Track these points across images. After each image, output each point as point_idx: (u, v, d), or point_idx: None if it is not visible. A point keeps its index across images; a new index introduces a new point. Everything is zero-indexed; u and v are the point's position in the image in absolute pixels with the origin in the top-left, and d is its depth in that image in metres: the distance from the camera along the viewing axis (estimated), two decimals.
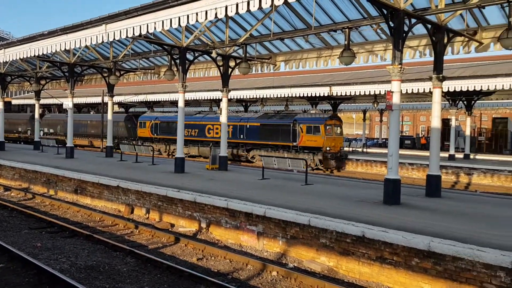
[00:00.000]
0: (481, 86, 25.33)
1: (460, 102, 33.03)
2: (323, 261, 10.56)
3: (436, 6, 14.14)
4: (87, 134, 49.84)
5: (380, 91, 30.09)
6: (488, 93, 30.55)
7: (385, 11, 13.04)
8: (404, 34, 13.36)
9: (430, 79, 15.43)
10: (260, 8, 12.65)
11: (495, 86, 24.90)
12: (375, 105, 39.81)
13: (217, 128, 35.44)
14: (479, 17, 15.55)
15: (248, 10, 12.86)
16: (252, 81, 41.45)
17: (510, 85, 24.11)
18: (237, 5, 12.92)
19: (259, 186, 16.58)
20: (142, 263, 10.47)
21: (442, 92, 26.67)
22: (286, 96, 35.88)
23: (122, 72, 27.83)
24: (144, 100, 46.42)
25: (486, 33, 15.81)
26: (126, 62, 28.01)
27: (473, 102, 32.84)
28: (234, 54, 21.55)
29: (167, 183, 16.41)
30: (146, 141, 41.90)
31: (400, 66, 13.23)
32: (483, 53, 18.47)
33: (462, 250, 8.16)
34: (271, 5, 12.22)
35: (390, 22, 13.19)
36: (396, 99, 13.37)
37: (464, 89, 25.99)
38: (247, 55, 20.77)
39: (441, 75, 15.03)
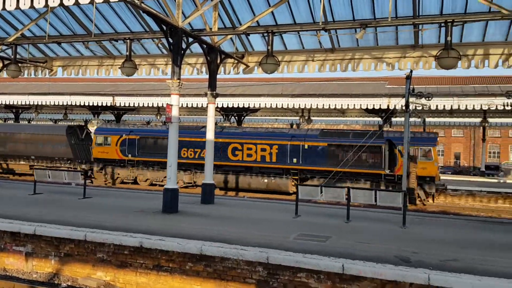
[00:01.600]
0: (249, 104, 28.20)
1: (233, 117, 36.07)
2: (99, 276, 10.04)
3: (211, 29, 15.17)
4: None
5: (162, 104, 30.56)
6: (254, 110, 34.18)
7: (164, 27, 13.36)
8: (182, 51, 13.92)
9: (206, 95, 16.39)
10: (32, 7, 11.44)
11: (260, 104, 28.07)
12: (158, 117, 40.22)
13: (250, 149, 25.08)
14: (246, 43, 17.30)
15: (18, 8, 11.46)
16: (24, 85, 37.09)
17: (271, 104, 27.53)
18: (4, 1, 11.39)
19: (30, 201, 14.83)
20: None
21: (217, 107, 28.95)
22: (66, 104, 33.20)
23: None
24: None
25: (251, 57, 17.68)
26: None
27: (243, 117, 36.26)
28: (1, 54, 18.90)
29: None
30: (109, 165, 28.47)
31: (178, 80, 13.69)
32: (250, 75, 20.62)
33: (229, 251, 8.85)
34: (46, 5, 11.17)
35: (170, 38, 13.57)
36: (175, 112, 13.76)
37: (235, 105, 28.52)
38: (18, 56, 18.51)
39: (214, 92, 16.15)
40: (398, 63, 15.63)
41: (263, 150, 24.93)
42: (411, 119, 25.73)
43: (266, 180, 24.76)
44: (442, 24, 12.40)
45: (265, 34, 14.95)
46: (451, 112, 28.33)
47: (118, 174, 28.16)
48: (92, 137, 30.45)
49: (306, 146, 24.12)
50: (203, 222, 11.98)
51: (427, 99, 19.15)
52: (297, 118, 36.17)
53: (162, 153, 25.99)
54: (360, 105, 26.15)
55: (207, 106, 16.65)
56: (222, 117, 35.27)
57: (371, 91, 26.67)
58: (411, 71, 17.61)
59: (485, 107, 22.59)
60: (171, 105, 13.77)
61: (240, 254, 8.75)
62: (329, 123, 43.96)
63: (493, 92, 22.84)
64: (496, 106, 21.68)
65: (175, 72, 13.68)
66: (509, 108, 21.30)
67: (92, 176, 29.13)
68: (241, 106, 28.58)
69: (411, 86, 19.15)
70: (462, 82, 29.17)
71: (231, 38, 16.77)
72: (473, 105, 22.59)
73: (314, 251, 8.84)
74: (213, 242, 9.35)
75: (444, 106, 23.62)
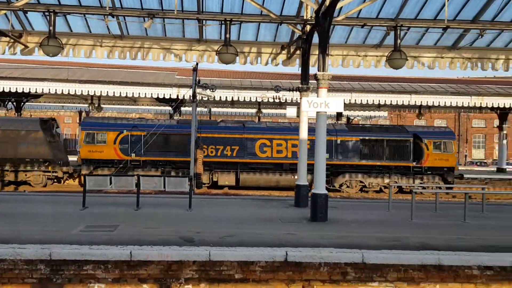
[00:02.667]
0: (30, 89, 25.15)
1: (10, 103, 31.62)
2: None
3: None
4: None
5: None
6: (37, 96, 30.67)
7: None
8: None
9: None
10: None
11: (42, 89, 25.33)
12: None
13: (280, 145, 23.30)
14: (24, 21, 15.32)
15: None
16: None
17: (56, 89, 25.13)
18: None
19: None
20: None
21: None
22: None
23: None
24: None
25: (31, 37, 15.77)
26: None
27: (22, 103, 32.14)
28: None
29: None
30: (104, 166, 23.49)
31: None
32: (31, 57, 18.37)
33: (4, 251, 7.82)
34: None
35: None
36: None
37: (13, 90, 25.08)
38: None
39: None
40: (185, 55, 16.15)
41: (294, 146, 23.01)
42: (198, 109, 26.87)
43: (295, 177, 22.57)
44: (222, 22, 13.30)
45: (47, 14, 13.53)
46: (233, 103, 30.74)
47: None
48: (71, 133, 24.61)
49: (338, 141, 23.67)
50: None
51: (211, 90, 20.34)
52: (86, 105, 33.96)
53: (176, 151, 23.30)
54: (151, 94, 26.10)
55: None
56: None
57: (162, 81, 26.86)
58: (197, 64, 18.41)
59: (259, 99, 25.27)
60: None
61: (17, 254, 7.82)
62: (121, 111, 42.65)
63: (266, 86, 25.71)
64: (268, 98, 24.49)
65: None
66: (277, 100, 24.32)
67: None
68: (20, 90, 25.25)
69: (198, 78, 20.04)
70: (242, 76, 31.96)
71: (5, 14, 14.60)
72: (250, 97, 25.02)
73: (102, 241, 8.52)
74: None
75: (226, 97, 25.47)
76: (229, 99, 25.87)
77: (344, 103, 26.59)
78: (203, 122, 24.90)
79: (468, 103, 25.14)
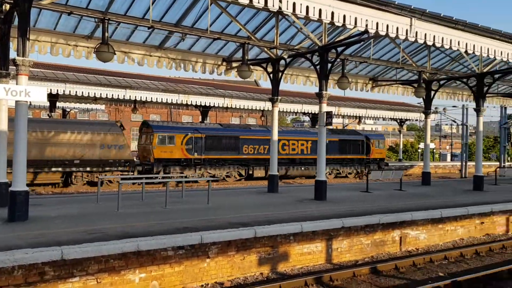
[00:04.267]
0: None
1: None
2: None
3: None
4: None
5: None
6: None
7: None
8: None
9: None
10: None
11: None
12: None
13: (293, 144, 30.61)
14: None
15: None
16: None
17: None
18: None
19: None
20: None
21: None
22: None
23: None
24: None
25: None
26: None
27: None
28: None
29: None
30: (171, 165, 26.16)
31: None
32: None
33: None
34: None
35: None
36: None
37: None
38: None
39: None
40: None
41: (302, 145, 30.87)
42: None
43: (303, 168, 30.97)
44: None
45: None
46: None
47: (182, 173, 25.42)
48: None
49: (327, 141, 30.84)
50: None
51: None
52: None
53: (224, 150, 27.89)
54: None
55: None
56: None
57: None
58: None
59: None
60: None
61: None
62: None
63: None
64: None
65: None
66: None
67: None
68: None
69: None
70: None
71: None
72: None
73: None
74: None
75: None
76: None
77: (58, 94, 24.85)
78: (240, 126, 31.75)
79: (177, 100, 27.17)
